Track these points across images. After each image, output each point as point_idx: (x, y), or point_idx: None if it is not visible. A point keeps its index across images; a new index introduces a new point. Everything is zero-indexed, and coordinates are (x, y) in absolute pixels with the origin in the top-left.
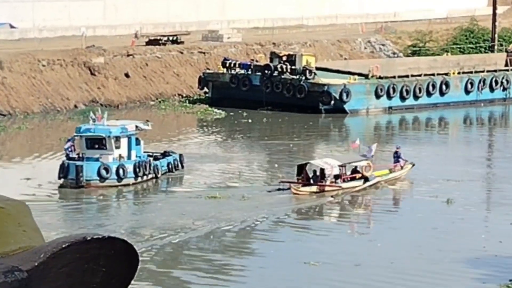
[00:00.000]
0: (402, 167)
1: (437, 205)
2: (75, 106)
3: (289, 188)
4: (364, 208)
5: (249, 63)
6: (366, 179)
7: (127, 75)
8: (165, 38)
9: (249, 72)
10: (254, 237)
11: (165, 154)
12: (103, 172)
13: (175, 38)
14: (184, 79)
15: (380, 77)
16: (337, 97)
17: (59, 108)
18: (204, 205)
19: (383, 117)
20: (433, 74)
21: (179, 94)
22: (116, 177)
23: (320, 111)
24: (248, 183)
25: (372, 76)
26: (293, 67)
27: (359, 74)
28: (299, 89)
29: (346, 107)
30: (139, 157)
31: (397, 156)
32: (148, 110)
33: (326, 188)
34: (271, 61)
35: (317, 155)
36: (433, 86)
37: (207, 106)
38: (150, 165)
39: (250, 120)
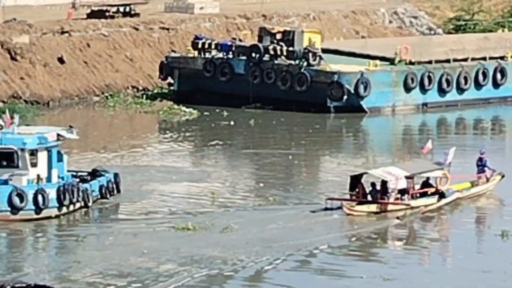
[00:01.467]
0: (488, 179)
1: None
2: None
3: (339, 208)
4: (440, 234)
5: (229, 43)
6: (441, 195)
7: (61, 60)
8: (114, 9)
9: (230, 56)
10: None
11: (94, 174)
12: (16, 200)
13: (127, 8)
14: (140, 65)
15: (411, 63)
16: (352, 90)
17: None
18: (171, 239)
19: (414, 117)
20: (484, 58)
21: (133, 87)
22: (33, 207)
23: (328, 110)
24: (232, 206)
25: (400, 61)
26: (290, 48)
27: (382, 58)
28: (299, 79)
29: (364, 103)
30: (62, 178)
31: (481, 164)
32: (91, 109)
33: (390, 207)
34: (261, 40)
35: (325, 170)
36: (484, 75)
37: (172, 103)
38: (78, 189)
39: (232, 122)
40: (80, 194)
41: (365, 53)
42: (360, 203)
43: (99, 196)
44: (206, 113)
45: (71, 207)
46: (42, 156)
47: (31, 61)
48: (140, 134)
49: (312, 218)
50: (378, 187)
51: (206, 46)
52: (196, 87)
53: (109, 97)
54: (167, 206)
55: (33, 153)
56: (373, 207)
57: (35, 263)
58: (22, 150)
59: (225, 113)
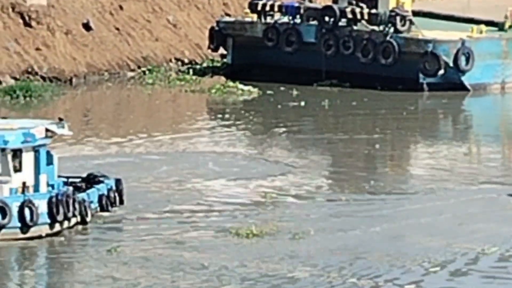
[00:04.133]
0: None
1: None
2: None
3: None
4: None
5: (297, 4)
6: None
7: (87, 27)
8: None
9: (298, 21)
10: None
11: (90, 180)
12: None
13: None
14: (185, 32)
15: None
16: (450, 63)
17: None
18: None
19: None
20: None
21: (177, 59)
22: (19, 223)
23: (420, 87)
24: (305, 204)
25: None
26: (373, 10)
27: (489, 23)
28: (385, 49)
29: (466, 79)
30: (52, 186)
31: None
32: (124, 87)
33: None
34: (336, 1)
35: (415, 163)
36: None
37: (225, 79)
38: (74, 200)
39: (302, 103)
40: (77, 206)
41: (468, 16)
42: None
43: (98, 209)
44: (268, 91)
45: (65, 224)
46: (28, 158)
47: (50, 27)
48: (186, 118)
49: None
50: None
51: (268, 8)
52: (254, 60)
53: (147, 72)
54: (219, 204)
55: (15, 154)
56: None
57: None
58: (3, 150)
59: (294, 92)
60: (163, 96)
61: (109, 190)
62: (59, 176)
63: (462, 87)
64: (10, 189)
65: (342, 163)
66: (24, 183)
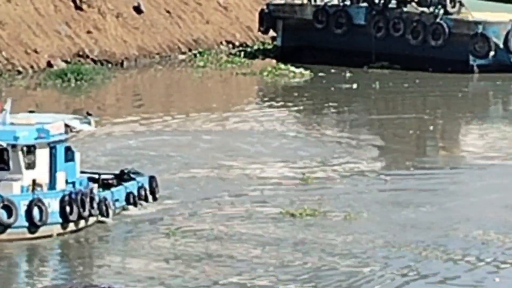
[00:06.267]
0: None
1: None
2: (49, 64)
3: None
4: None
5: None
6: None
7: (138, 10)
8: None
9: (348, 3)
10: None
11: (122, 177)
12: (2, 214)
13: None
14: (236, 15)
15: None
16: (501, 45)
17: (20, 66)
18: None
19: None
20: None
21: (228, 42)
22: (26, 223)
23: (471, 69)
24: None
25: None
26: None
27: None
28: (435, 30)
29: None
30: (72, 183)
31: None
32: (175, 70)
33: None
34: None
35: (465, 143)
36: None
37: (275, 62)
38: (92, 198)
39: (354, 85)
40: (95, 205)
41: None
42: None
43: (124, 206)
44: (320, 74)
45: (81, 223)
46: (42, 155)
47: (101, 10)
48: (238, 101)
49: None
50: None
51: None
52: (304, 42)
53: (197, 55)
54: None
55: (29, 150)
56: None
57: None
58: (14, 146)
59: (348, 74)
60: (214, 79)
61: (139, 188)
62: (91, 173)
63: None
64: (21, 187)
65: (393, 142)
66: (34, 181)
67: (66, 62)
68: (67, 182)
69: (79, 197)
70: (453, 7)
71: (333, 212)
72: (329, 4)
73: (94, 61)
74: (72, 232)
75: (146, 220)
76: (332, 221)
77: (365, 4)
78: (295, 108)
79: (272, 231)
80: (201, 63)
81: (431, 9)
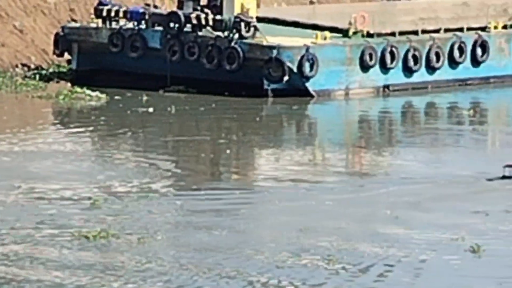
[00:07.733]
0: None
1: None
2: None
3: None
4: None
5: (142, 10)
6: None
7: None
8: None
9: (143, 26)
10: None
11: None
12: None
13: None
14: (32, 38)
15: (369, 35)
16: (295, 69)
17: None
18: None
19: (374, 102)
20: (460, 29)
21: (23, 65)
22: None
23: (265, 93)
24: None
25: (356, 33)
26: (218, 17)
27: (333, 29)
28: (229, 55)
29: (311, 85)
30: None
31: None
32: None
33: None
34: (181, 6)
35: (267, 169)
36: (461, 50)
37: (70, 85)
38: None
39: (151, 109)
40: None
41: (312, 22)
42: None
43: None
44: (116, 97)
45: None
46: None
47: None
48: (34, 124)
49: None
50: None
51: (113, 13)
52: (100, 65)
53: None
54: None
55: None
56: None
57: None
58: None
59: (144, 98)
60: (9, 102)
61: None
62: None
63: (307, 93)
64: None
65: (187, 165)
66: None
67: None
68: None
69: None
70: (248, 31)
71: (127, 235)
72: (124, 27)
73: None
74: None
75: None
76: (126, 244)
77: (160, 28)
78: (91, 131)
79: (67, 254)
80: None
81: (226, 33)
